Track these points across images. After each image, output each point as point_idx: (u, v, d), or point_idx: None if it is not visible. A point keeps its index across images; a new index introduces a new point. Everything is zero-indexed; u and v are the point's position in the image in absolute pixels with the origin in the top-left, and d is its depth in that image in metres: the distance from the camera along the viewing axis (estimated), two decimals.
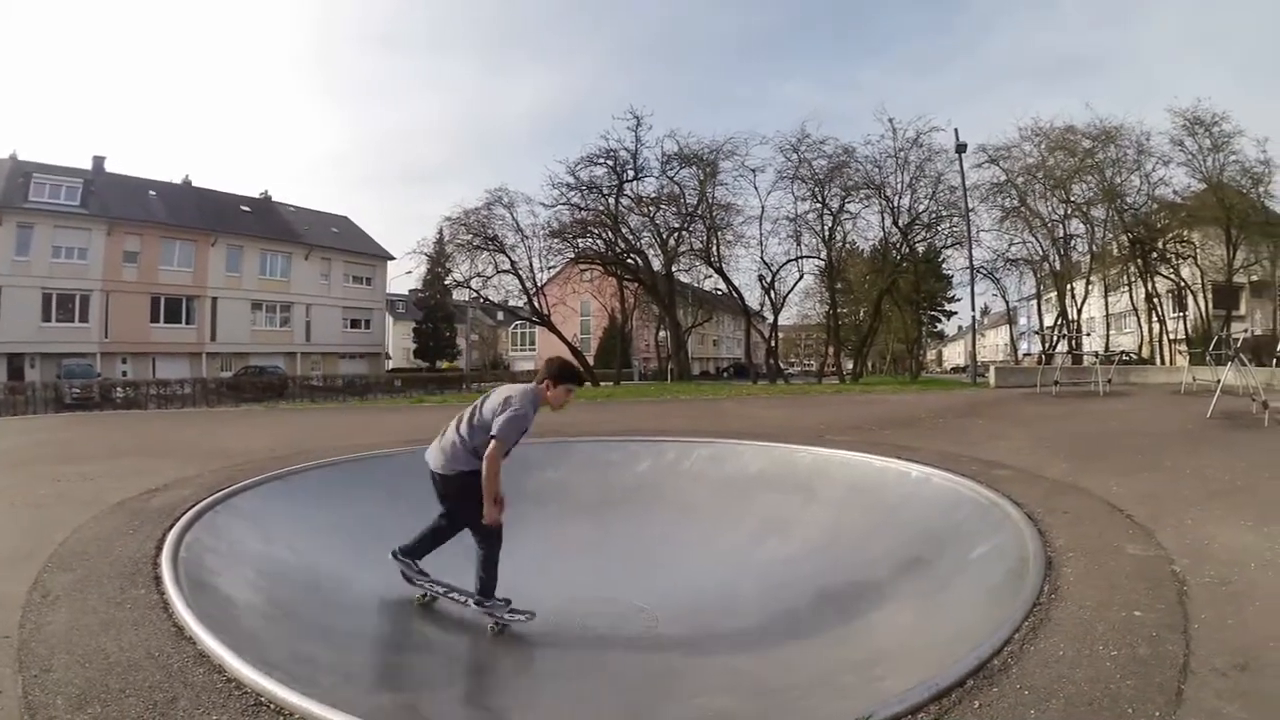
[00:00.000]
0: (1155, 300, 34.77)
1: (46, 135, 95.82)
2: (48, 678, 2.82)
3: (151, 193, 41.60)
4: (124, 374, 36.98)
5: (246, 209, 46.25)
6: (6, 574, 3.88)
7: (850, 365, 39.82)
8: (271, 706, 2.69)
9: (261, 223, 46.00)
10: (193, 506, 5.18)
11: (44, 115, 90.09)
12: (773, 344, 40.56)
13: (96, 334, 37.47)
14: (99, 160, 40.80)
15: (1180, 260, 33.70)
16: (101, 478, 6.37)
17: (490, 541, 4.35)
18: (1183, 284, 33.86)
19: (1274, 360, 13.48)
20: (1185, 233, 33.21)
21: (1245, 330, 24.51)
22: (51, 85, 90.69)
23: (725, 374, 56.43)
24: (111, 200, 38.73)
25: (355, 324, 49.83)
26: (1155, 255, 33.83)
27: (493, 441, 4.08)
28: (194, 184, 45.21)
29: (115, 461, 7.30)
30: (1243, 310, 34.86)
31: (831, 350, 41.49)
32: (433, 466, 4.34)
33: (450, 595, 4.52)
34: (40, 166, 37.61)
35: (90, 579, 3.88)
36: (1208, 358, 13.82)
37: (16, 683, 2.76)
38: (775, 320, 39.72)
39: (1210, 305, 33.64)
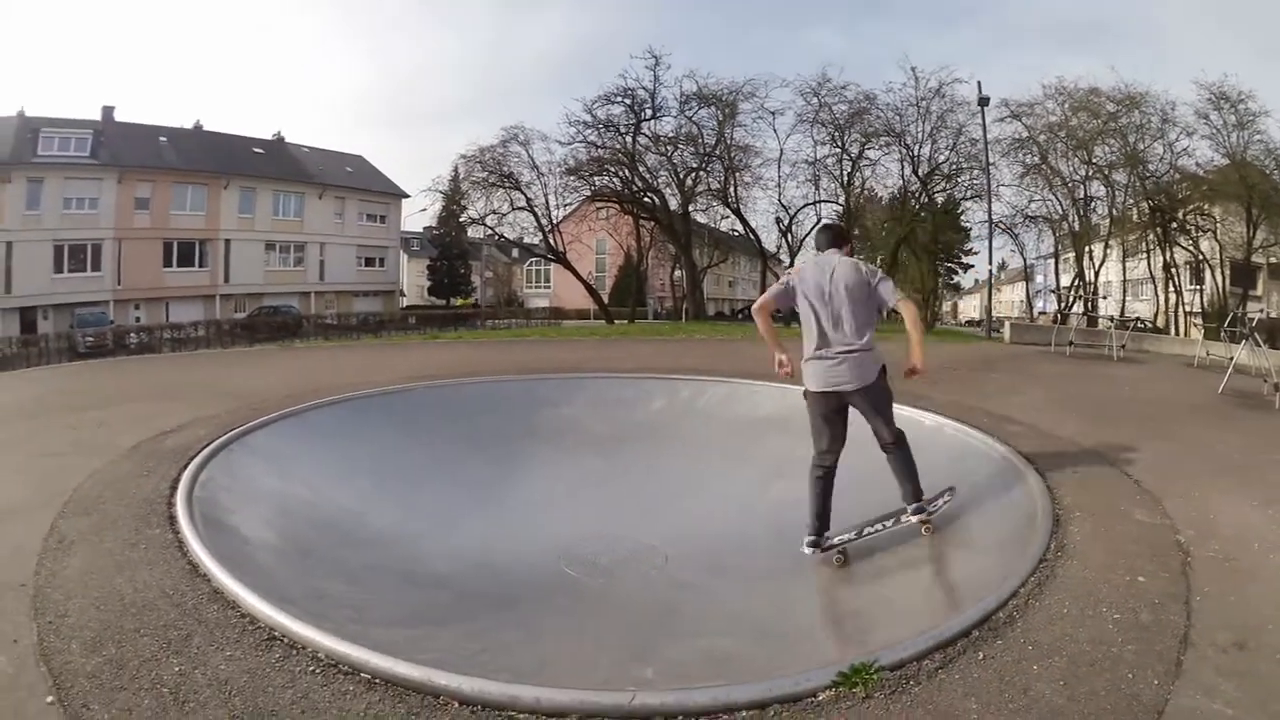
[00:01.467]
0: (1173, 270, 34.24)
1: (54, 90, 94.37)
2: (63, 623, 2.86)
3: (162, 139, 41.24)
4: (137, 320, 37.02)
5: (259, 150, 45.69)
6: (22, 522, 3.91)
7: None
8: (285, 641, 2.74)
9: (274, 164, 45.45)
10: (207, 446, 5.19)
11: (51, 70, 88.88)
12: None
13: (109, 282, 37.44)
14: (108, 110, 40.34)
15: (1199, 233, 33.10)
16: (115, 423, 6.36)
17: (902, 437, 4.41)
18: (1201, 257, 33.32)
19: None
20: (1206, 206, 32.57)
21: (1261, 311, 24.19)
22: (58, 38, 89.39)
23: (740, 315, 55.95)
24: (122, 149, 38.44)
25: (369, 262, 49.29)
26: (1175, 225, 33.26)
27: (905, 303, 4.26)
28: (205, 128, 44.81)
29: (129, 406, 7.29)
30: (1260, 290, 34.36)
31: None
32: (858, 384, 4.22)
33: (871, 532, 4.42)
34: (48, 120, 37.15)
35: (105, 522, 3.92)
36: (1222, 334, 13.66)
37: (32, 630, 2.80)
38: (792, 263, 38.99)
39: (1227, 281, 33.20)
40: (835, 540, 4.32)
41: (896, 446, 4.37)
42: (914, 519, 4.31)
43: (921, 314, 4.29)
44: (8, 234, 34.31)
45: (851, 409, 4.34)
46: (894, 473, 4.39)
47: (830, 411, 4.30)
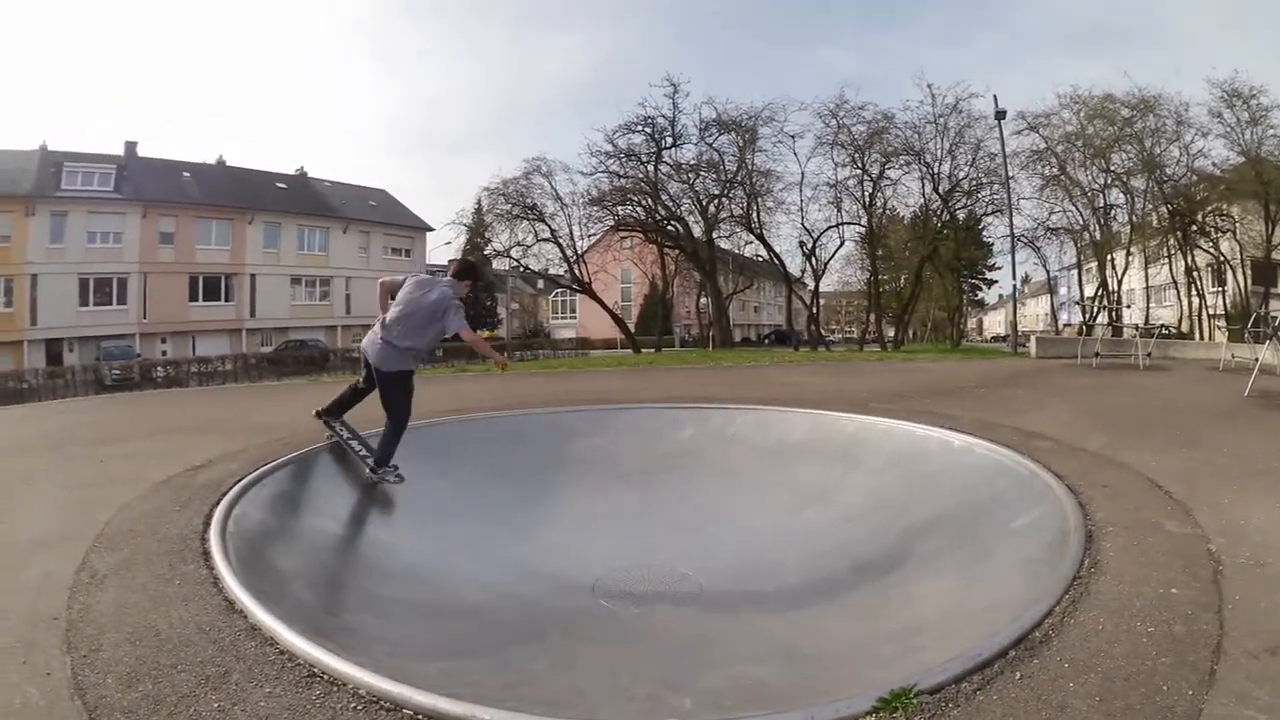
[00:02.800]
0: (1195, 274, 34.01)
1: (77, 125, 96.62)
2: (97, 657, 2.86)
3: (185, 174, 42.04)
4: (164, 353, 37.57)
5: (283, 186, 46.53)
6: (53, 555, 3.91)
7: (891, 333, 39.49)
8: (325, 677, 2.74)
9: (298, 199, 46.31)
10: (239, 480, 5.21)
11: (74, 105, 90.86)
12: (814, 311, 40.64)
13: (135, 315, 38.05)
14: (131, 145, 41.27)
15: (1219, 234, 32.87)
16: (144, 456, 6.36)
17: (402, 422, 5.59)
18: (1222, 258, 33.05)
19: None
20: (1224, 206, 32.37)
21: None
22: (80, 74, 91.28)
23: (767, 340, 56.12)
24: (145, 184, 39.19)
25: None
26: (1194, 228, 33.03)
27: (464, 331, 5.52)
28: (228, 164, 45.53)
29: (158, 439, 7.29)
30: None
31: (873, 317, 41.19)
32: (375, 364, 5.53)
33: (353, 446, 5.94)
34: (71, 155, 37.99)
35: (138, 557, 3.92)
36: (1246, 335, 13.50)
37: (65, 664, 2.81)
38: (816, 287, 39.67)
39: (1249, 281, 32.88)
40: (336, 426, 6.09)
41: (391, 424, 5.60)
42: (367, 471, 5.67)
43: (481, 344, 6.29)
44: (33, 267, 34.96)
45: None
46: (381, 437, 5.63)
47: (368, 368, 5.68)
